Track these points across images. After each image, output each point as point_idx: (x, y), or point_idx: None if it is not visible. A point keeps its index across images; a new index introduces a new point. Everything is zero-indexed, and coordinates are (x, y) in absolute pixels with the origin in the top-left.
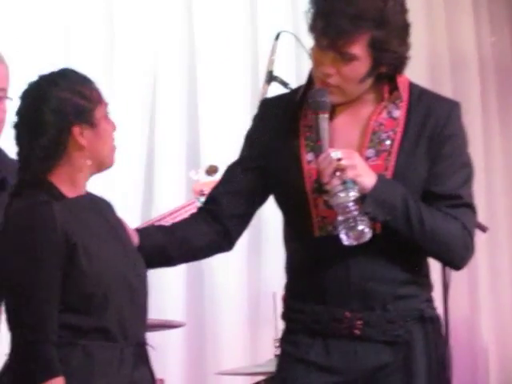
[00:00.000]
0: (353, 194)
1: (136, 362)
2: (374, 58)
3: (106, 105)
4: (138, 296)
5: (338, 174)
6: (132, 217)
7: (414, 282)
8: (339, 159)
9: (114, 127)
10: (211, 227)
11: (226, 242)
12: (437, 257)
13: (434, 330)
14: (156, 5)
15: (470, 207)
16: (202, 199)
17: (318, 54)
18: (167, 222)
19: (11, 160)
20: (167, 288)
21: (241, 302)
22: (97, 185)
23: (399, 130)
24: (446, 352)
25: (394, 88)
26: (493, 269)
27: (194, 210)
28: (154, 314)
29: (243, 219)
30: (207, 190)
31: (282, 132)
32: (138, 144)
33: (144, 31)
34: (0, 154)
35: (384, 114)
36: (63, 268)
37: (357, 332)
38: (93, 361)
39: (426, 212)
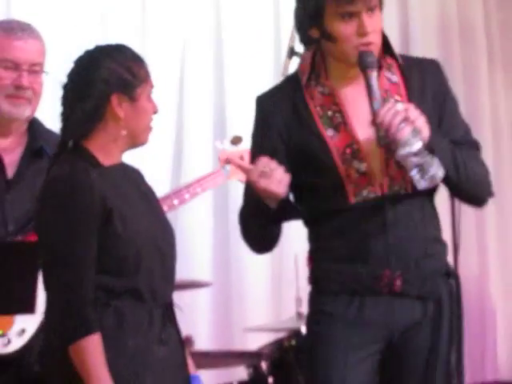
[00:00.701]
0: (420, 143)
1: (164, 322)
2: (380, 5)
3: (151, 86)
4: (167, 260)
5: (404, 124)
6: (162, 184)
7: (438, 240)
8: (406, 109)
9: (155, 108)
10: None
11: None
12: (470, 197)
13: (457, 285)
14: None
15: (480, 148)
16: (228, 167)
17: (348, 24)
18: (195, 189)
19: (48, 131)
20: (195, 250)
21: (265, 263)
22: (128, 154)
23: (403, 92)
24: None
25: (388, 50)
26: (500, 230)
27: (220, 177)
28: (182, 274)
29: None
30: (233, 159)
31: (295, 118)
32: (168, 115)
33: (175, 9)
34: (38, 125)
35: (385, 81)
36: (99, 231)
37: (396, 288)
38: (124, 320)
39: (465, 156)
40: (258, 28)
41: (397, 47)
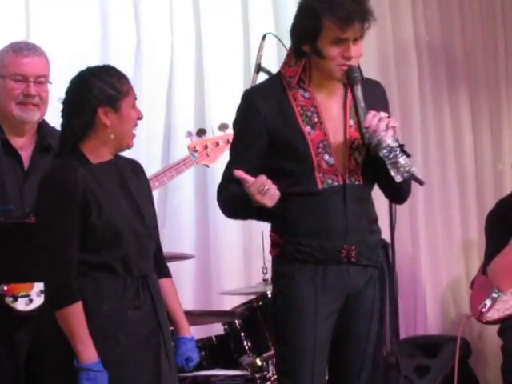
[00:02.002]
0: (397, 144)
1: (138, 291)
2: (363, 35)
3: (133, 97)
4: (143, 240)
5: (389, 127)
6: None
7: (376, 220)
8: (388, 116)
9: (139, 115)
10: None
11: None
12: (399, 195)
13: (388, 256)
14: (171, 15)
15: None
16: (196, 154)
17: (337, 47)
18: (171, 173)
19: (53, 129)
20: (181, 228)
21: (237, 238)
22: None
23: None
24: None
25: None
26: (428, 213)
27: (189, 161)
28: (171, 248)
29: None
30: (199, 147)
31: (280, 113)
32: (158, 116)
33: (163, 32)
34: (45, 126)
35: (349, 93)
36: (80, 217)
37: (352, 259)
38: (100, 289)
39: None
40: (231, 50)
41: None
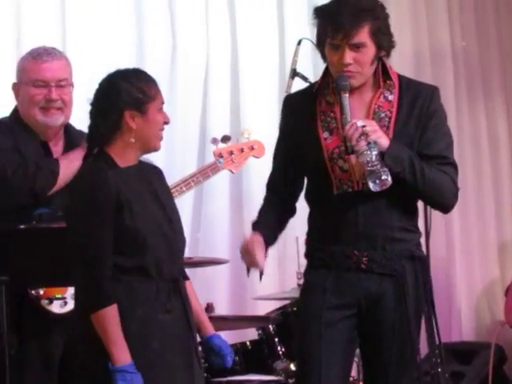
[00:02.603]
0: (375, 152)
1: (170, 294)
2: (375, 42)
3: (161, 101)
4: (173, 244)
5: (363, 137)
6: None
7: (406, 229)
8: (363, 126)
9: (165, 120)
10: (282, 212)
11: (292, 212)
12: (432, 201)
13: (422, 268)
14: (206, 19)
15: (454, 165)
16: (221, 160)
17: (333, 52)
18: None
19: (80, 132)
20: (216, 234)
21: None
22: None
23: (394, 109)
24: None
25: (386, 77)
26: (463, 219)
27: (215, 167)
28: (206, 253)
29: (297, 192)
30: (224, 154)
31: (303, 118)
32: (194, 119)
33: (199, 36)
34: (71, 129)
35: (381, 98)
36: (114, 221)
37: (363, 266)
38: (133, 293)
39: (426, 166)
40: (267, 55)
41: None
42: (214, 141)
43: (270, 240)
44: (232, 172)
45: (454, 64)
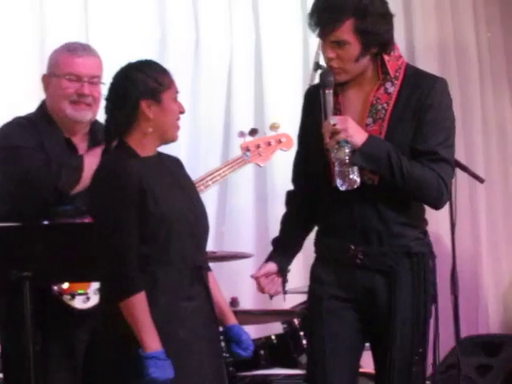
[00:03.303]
0: (347, 151)
1: (193, 281)
2: (361, 40)
3: (175, 91)
4: (196, 230)
5: (333, 135)
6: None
7: (404, 223)
8: (334, 124)
9: (181, 109)
10: (306, 212)
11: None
12: (415, 198)
13: (420, 264)
14: (230, 15)
15: (447, 162)
16: (248, 153)
17: (322, 44)
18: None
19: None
20: (241, 228)
21: None
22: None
23: (391, 102)
24: (431, 282)
25: (385, 69)
26: (489, 211)
27: (242, 161)
28: (230, 247)
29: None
30: (251, 147)
31: (316, 111)
32: (218, 112)
33: (222, 31)
34: (98, 124)
35: (381, 90)
36: (138, 209)
37: (358, 261)
38: (157, 282)
39: (406, 163)
40: (290, 46)
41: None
42: (241, 134)
43: (288, 262)
44: (259, 166)
45: (479, 55)
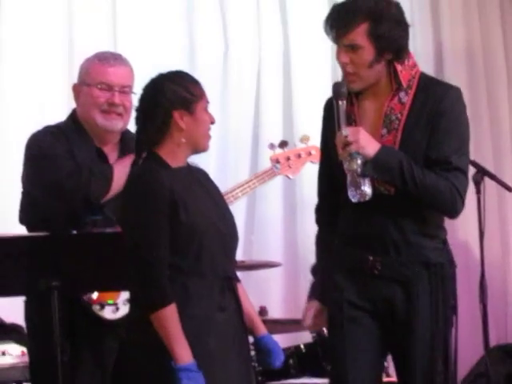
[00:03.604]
0: (358, 163)
1: (223, 292)
2: (375, 45)
3: (206, 101)
4: (227, 240)
5: (346, 147)
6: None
7: (423, 232)
8: (346, 136)
9: (212, 120)
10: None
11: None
12: (431, 207)
13: (438, 274)
14: (258, 23)
15: (460, 170)
16: (278, 165)
17: (336, 49)
18: (254, 183)
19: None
20: (269, 237)
21: None
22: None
23: (405, 112)
24: (451, 291)
25: (398, 80)
26: None
27: (272, 173)
28: (259, 256)
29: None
30: (281, 159)
31: (333, 123)
32: (246, 122)
33: (251, 40)
34: (129, 134)
35: (395, 100)
36: (169, 219)
37: (376, 272)
38: (189, 293)
39: (419, 172)
40: (319, 56)
41: (431, 70)
42: (271, 146)
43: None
44: (289, 178)
45: (507, 59)
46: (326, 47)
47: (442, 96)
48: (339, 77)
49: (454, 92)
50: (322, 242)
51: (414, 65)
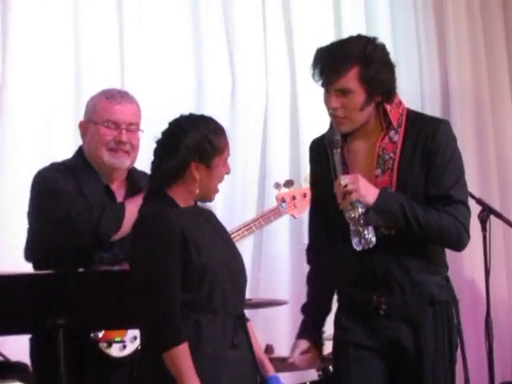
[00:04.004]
0: (360, 211)
1: (236, 330)
2: (366, 88)
3: (228, 153)
4: (237, 279)
5: (346, 196)
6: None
7: (426, 270)
8: (345, 185)
9: (228, 171)
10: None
11: None
12: (437, 244)
13: (443, 312)
14: (265, 62)
15: (461, 203)
16: (284, 205)
17: (325, 94)
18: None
19: (143, 173)
20: (277, 275)
21: None
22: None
23: (398, 151)
24: (456, 328)
25: (388, 119)
26: None
27: (278, 212)
28: (266, 294)
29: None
30: (287, 198)
31: (323, 166)
32: (253, 160)
33: (258, 78)
34: (135, 172)
35: (386, 140)
36: (181, 258)
37: (381, 312)
38: (202, 331)
39: (421, 212)
40: None
41: (437, 110)
42: (277, 185)
43: (320, 328)
44: (294, 217)
45: None
46: None
47: (434, 132)
48: None
49: (445, 126)
50: (313, 281)
51: (400, 102)
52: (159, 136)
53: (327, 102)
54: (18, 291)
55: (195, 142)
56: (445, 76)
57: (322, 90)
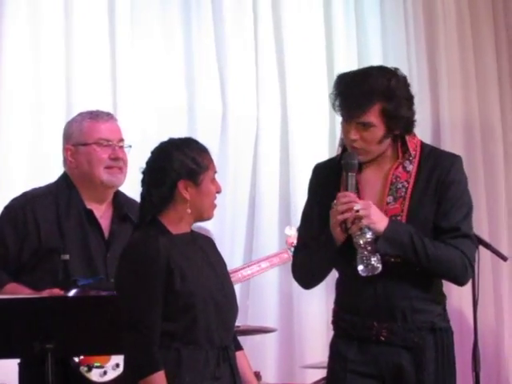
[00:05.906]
0: (369, 237)
1: (218, 362)
2: (386, 123)
3: (214, 171)
4: (223, 311)
5: (356, 221)
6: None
7: (428, 298)
8: (357, 210)
9: (218, 189)
10: None
11: None
12: (442, 277)
13: (443, 339)
14: (256, 84)
15: (469, 237)
16: (292, 249)
17: (344, 125)
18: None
19: (129, 199)
20: (265, 304)
21: (319, 313)
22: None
23: (411, 180)
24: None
25: (406, 148)
26: None
27: (286, 256)
28: (254, 321)
29: None
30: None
31: (329, 189)
32: (243, 184)
33: (249, 100)
34: (121, 195)
35: (400, 169)
36: (164, 286)
37: (382, 338)
38: (183, 361)
39: (430, 245)
40: (318, 118)
41: (428, 141)
42: (289, 229)
43: None
44: None
45: (504, 134)
46: (324, 110)
47: (450, 166)
48: (337, 140)
49: (459, 161)
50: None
51: (414, 134)
52: (144, 166)
53: (346, 133)
54: (7, 315)
55: (179, 163)
56: (436, 108)
57: (312, 116)
